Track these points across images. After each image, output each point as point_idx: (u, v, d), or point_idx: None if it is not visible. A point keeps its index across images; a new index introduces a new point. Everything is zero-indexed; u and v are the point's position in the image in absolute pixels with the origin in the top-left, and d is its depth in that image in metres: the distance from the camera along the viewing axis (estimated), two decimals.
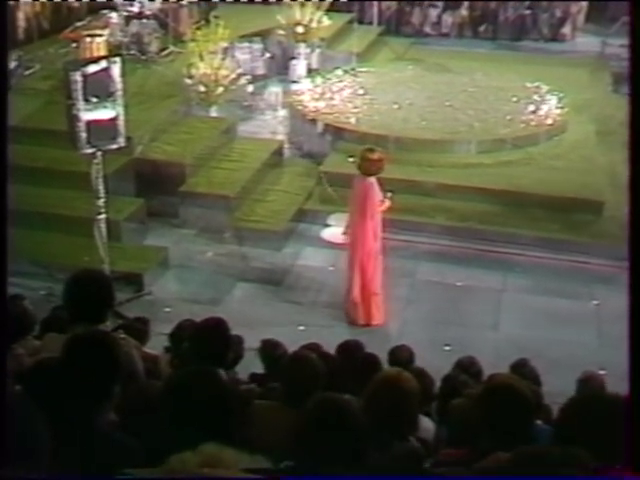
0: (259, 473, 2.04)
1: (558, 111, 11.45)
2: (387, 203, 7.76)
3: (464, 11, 15.54)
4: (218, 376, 2.82)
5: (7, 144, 2.87)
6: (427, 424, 4.57)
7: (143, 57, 11.69)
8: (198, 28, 11.57)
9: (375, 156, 7.59)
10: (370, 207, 7.64)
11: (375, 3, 14.99)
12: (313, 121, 11.20)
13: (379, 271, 7.92)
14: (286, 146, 11.18)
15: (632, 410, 2.61)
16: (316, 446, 2.57)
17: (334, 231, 8.92)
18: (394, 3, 15.42)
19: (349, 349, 5.44)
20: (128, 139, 8.02)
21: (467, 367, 5.59)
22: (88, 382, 2.80)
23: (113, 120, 7.36)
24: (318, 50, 13.23)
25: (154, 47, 11.86)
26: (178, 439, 2.39)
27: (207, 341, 4.06)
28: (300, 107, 11.58)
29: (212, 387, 2.70)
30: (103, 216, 7.81)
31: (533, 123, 11.07)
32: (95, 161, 7.60)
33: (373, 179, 7.62)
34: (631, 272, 2.76)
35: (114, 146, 7.56)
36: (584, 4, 15.30)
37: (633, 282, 2.74)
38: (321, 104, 11.57)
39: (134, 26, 11.81)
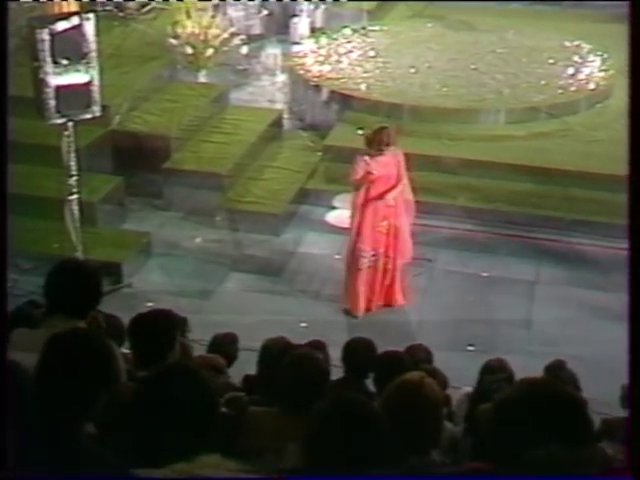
0: (259, 474, 2.08)
1: (602, 74, 11.41)
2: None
3: None
4: (198, 373, 2.84)
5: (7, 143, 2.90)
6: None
7: (121, 14, 11.69)
8: None
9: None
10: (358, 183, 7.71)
11: None
12: (317, 87, 11.19)
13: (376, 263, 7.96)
14: (286, 116, 11.19)
15: (632, 410, 2.67)
16: (332, 453, 2.59)
17: (340, 214, 8.94)
18: None
19: (356, 349, 5.44)
20: (104, 108, 8.02)
21: (496, 372, 5.60)
22: (71, 388, 2.79)
23: (86, 86, 7.37)
24: (323, 6, 13.21)
25: (133, 2, 11.85)
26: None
27: (139, 336, 4.11)
28: (302, 71, 11.57)
29: (191, 384, 2.73)
30: (75, 196, 7.84)
31: (572, 88, 11.05)
32: (66, 133, 7.62)
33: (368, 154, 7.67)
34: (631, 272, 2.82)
35: (88, 116, 7.56)
36: None
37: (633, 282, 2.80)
38: (326, 68, 11.55)
39: None
